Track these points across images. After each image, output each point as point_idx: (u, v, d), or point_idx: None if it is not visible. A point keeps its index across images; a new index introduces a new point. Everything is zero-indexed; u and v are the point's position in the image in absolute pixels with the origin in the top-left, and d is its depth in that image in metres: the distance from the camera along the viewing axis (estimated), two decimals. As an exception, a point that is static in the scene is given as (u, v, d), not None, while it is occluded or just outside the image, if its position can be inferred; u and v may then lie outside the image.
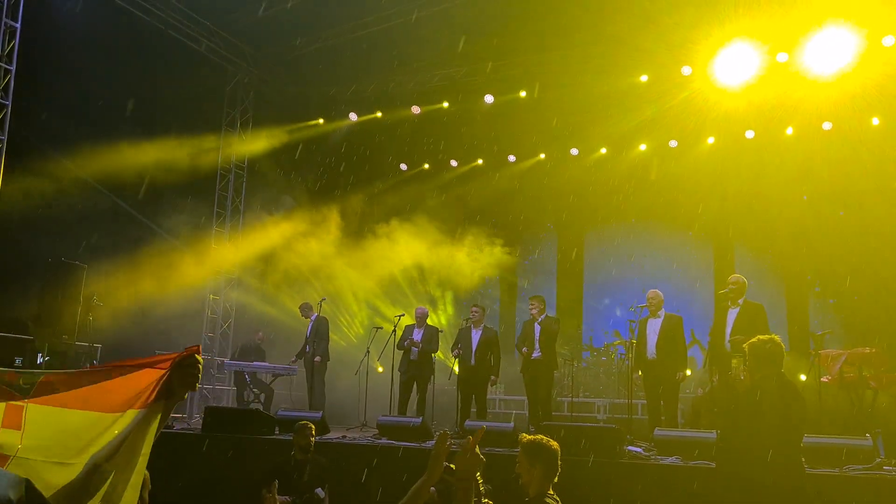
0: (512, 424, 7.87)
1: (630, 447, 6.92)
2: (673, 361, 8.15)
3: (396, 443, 7.71)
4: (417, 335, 9.92)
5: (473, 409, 9.52)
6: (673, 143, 13.05)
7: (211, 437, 8.08)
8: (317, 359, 10.62)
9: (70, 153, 10.17)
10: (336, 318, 13.76)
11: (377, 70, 13.32)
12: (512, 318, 15.05)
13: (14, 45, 9.49)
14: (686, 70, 11.29)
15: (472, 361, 9.37)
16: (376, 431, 8.46)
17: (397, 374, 9.94)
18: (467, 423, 8.21)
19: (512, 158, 14.57)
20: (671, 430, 7.39)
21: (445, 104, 13.50)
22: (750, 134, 12.39)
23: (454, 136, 13.92)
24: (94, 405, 2.21)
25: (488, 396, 10.11)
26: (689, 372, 9.17)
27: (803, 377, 8.96)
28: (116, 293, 10.35)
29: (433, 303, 14.48)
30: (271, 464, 6.81)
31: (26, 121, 9.72)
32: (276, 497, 3.54)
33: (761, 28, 10.31)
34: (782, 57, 10.62)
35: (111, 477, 2.14)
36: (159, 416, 2.28)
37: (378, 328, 10.77)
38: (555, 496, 3.52)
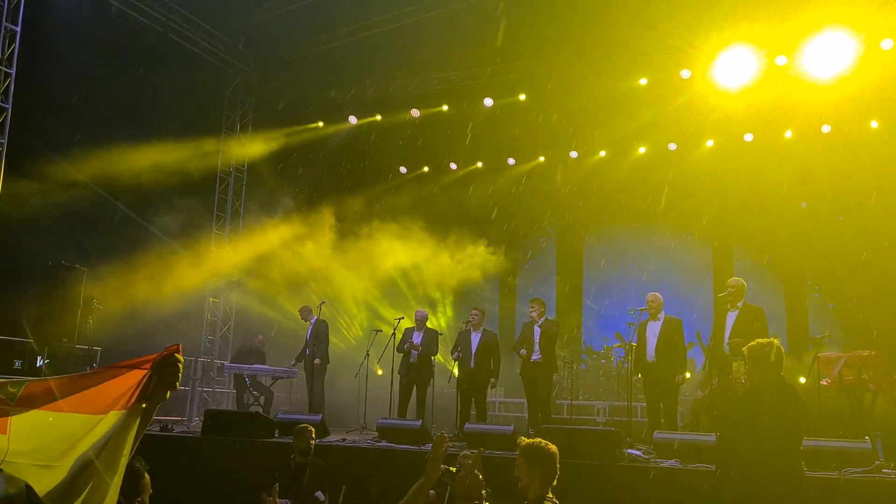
0: (511, 427, 7.87)
1: (629, 450, 6.91)
2: (672, 364, 8.16)
3: (396, 445, 7.72)
4: (417, 338, 9.92)
5: (473, 412, 9.52)
6: (672, 146, 13.07)
7: (211, 440, 8.08)
8: (316, 361, 10.62)
9: (70, 156, 10.18)
10: (335, 320, 13.77)
11: (377, 73, 13.34)
12: (511, 321, 15.06)
13: (14, 48, 9.49)
14: (685, 73, 11.31)
15: (472, 364, 9.37)
16: (376, 434, 8.47)
17: (397, 377, 9.95)
18: (467, 426, 8.20)
19: (511, 161, 14.60)
20: (670, 433, 7.38)
21: (445, 107, 13.52)
22: (749, 137, 12.41)
23: (454, 139, 13.94)
24: (81, 408, 2.22)
25: (488, 399, 10.11)
26: (688, 375, 9.19)
27: (803, 380, 8.96)
28: (116, 296, 10.35)
29: (433, 305, 14.49)
30: (271, 467, 6.80)
31: (26, 124, 9.72)
32: (277, 500, 3.54)
33: (760, 31, 10.33)
34: (781, 60, 10.64)
35: (95, 478, 2.16)
36: (139, 418, 2.28)
37: (378, 331, 10.77)
38: (554, 499, 3.52)
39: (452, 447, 6.91)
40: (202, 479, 7.57)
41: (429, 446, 6.42)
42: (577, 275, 15.25)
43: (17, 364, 9.28)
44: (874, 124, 11.30)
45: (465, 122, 13.45)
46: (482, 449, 3.36)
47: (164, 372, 2.34)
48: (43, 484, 2.03)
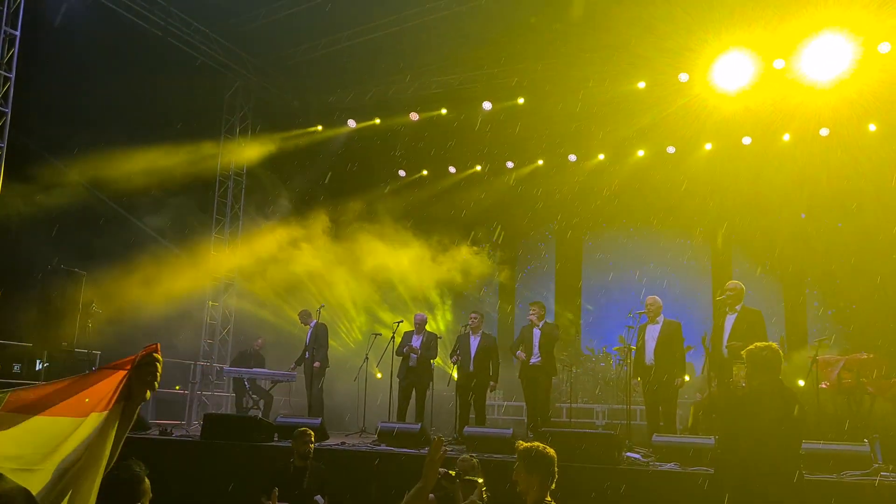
0: (511, 430, 7.86)
1: (628, 453, 6.92)
2: (671, 367, 8.16)
3: (395, 449, 7.71)
4: (416, 341, 9.92)
5: (472, 416, 9.52)
6: (671, 150, 13.09)
7: (210, 444, 8.07)
8: (316, 364, 10.62)
9: (69, 160, 10.19)
10: (335, 324, 13.77)
11: (376, 77, 13.36)
12: (510, 325, 15.06)
13: (13, 52, 9.50)
14: (683, 77, 11.33)
15: (471, 368, 9.37)
16: (375, 438, 8.45)
17: (396, 381, 9.94)
18: (466, 429, 8.20)
19: (510, 165, 14.61)
20: (669, 436, 7.39)
21: (444, 111, 13.54)
22: (747, 140, 12.44)
23: (453, 143, 13.96)
24: (64, 411, 2.23)
25: (487, 402, 10.11)
26: (687, 378, 9.19)
27: (801, 383, 8.97)
28: (115, 300, 10.34)
29: (432, 309, 14.49)
30: (270, 471, 6.79)
31: (26, 128, 9.72)
32: (276, 504, 3.55)
33: (758, 35, 10.35)
34: (779, 64, 10.66)
35: (77, 481, 2.17)
36: (119, 419, 2.29)
37: (377, 334, 10.78)
38: (553, 503, 3.52)
39: (451, 450, 6.91)
40: (202, 483, 7.56)
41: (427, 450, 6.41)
42: (576, 278, 15.26)
43: (16, 368, 9.28)
44: (872, 127, 11.33)
45: (464, 126, 13.47)
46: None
47: (142, 371, 2.32)
48: (29, 487, 2.04)
